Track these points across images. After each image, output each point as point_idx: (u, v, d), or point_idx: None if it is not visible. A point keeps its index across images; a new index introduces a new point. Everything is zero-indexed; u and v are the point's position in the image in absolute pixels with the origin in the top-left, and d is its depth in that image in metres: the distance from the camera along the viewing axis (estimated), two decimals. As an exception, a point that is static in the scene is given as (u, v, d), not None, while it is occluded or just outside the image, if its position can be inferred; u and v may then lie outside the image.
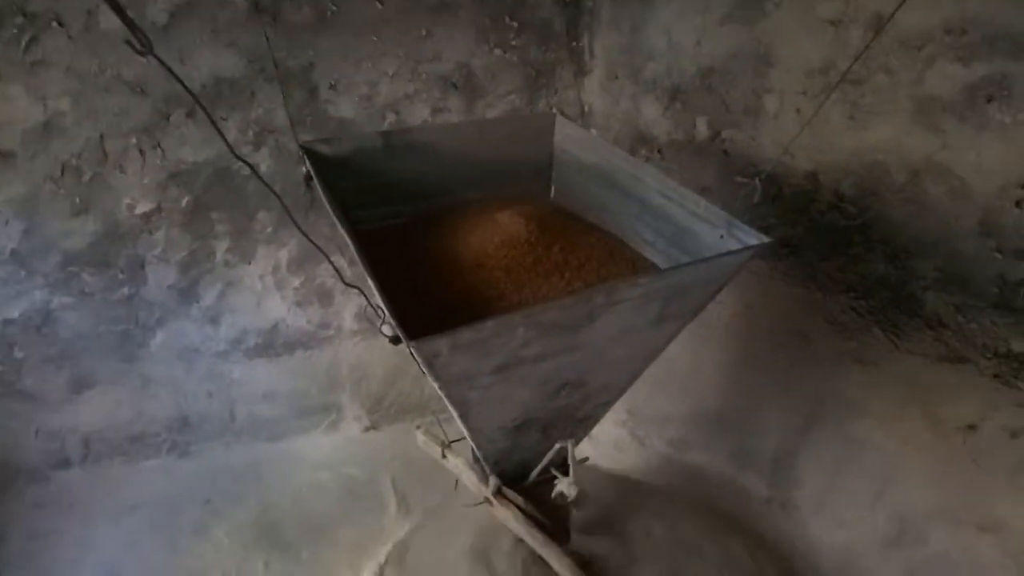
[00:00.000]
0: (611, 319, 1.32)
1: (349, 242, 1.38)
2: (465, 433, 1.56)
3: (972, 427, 1.72)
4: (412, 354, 1.20)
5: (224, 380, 2.67)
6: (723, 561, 1.78)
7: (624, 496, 2.00)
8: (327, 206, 1.55)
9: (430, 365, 1.20)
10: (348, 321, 2.79)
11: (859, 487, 1.90)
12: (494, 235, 1.60)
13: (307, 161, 1.68)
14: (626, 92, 2.60)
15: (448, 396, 1.33)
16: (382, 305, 1.19)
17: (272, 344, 2.71)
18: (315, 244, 1.44)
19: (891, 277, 1.89)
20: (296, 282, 2.67)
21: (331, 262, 1.42)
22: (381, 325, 1.17)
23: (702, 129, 2.34)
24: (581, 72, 2.74)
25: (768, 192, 2.16)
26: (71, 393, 2.50)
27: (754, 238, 1.38)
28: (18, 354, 2.40)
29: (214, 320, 2.61)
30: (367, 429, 2.82)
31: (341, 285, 2.72)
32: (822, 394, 2.05)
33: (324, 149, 1.79)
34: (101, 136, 2.28)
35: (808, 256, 2.11)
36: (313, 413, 2.78)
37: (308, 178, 1.68)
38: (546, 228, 1.66)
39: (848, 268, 2.00)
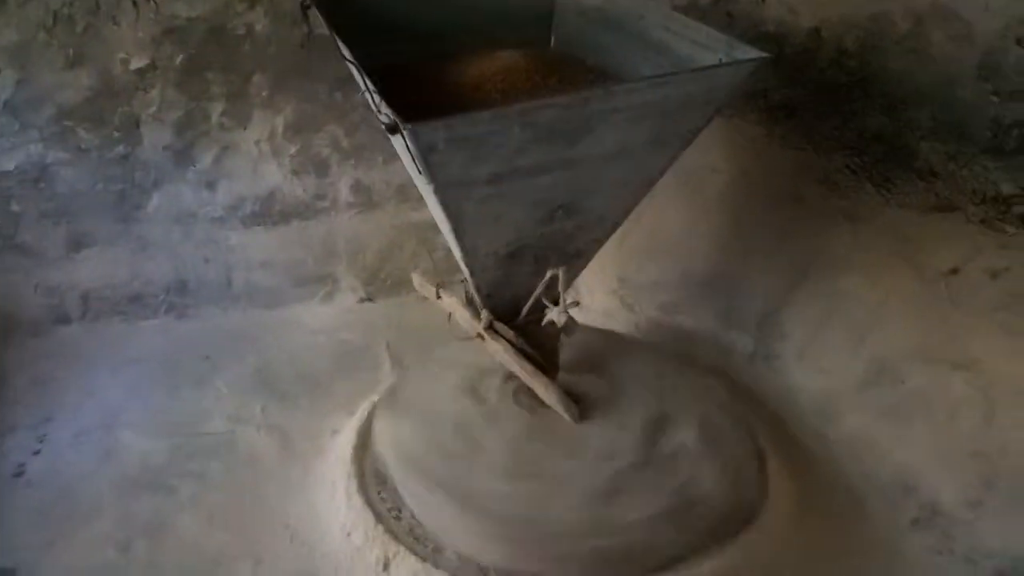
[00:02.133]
0: (607, 132, 1.33)
1: (341, 47, 1.36)
2: (459, 257, 1.59)
3: (955, 271, 1.76)
4: (408, 148, 1.21)
5: (221, 246, 2.69)
6: (706, 399, 1.84)
7: (611, 347, 2.04)
8: (323, 22, 1.52)
9: (426, 161, 1.21)
10: (344, 193, 2.79)
11: (841, 336, 1.95)
12: (493, 64, 1.59)
13: (303, -13, 1.65)
14: (630, -42, 2.54)
15: (444, 204, 1.35)
16: (371, 92, 1.18)
17: (269, 212, 2.72)
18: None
19: (887, 130, 1.90)
20: (292, 149, 2.65)
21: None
22: (377, 113, 1.17)
23: (706, -9, 2.30)
24: (585, -61, 2.67)
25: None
26: (69, 251, 2.52)
27: (753, 56, 1.38)
28: (15, 208, 2.41)
29: (210, 185, 2.61)
30: (362, 300, 2.85)
31: (337, 156, 2.71)
32: (812, 252, 2.08)
33: (320, -19, 1.75)
34: (93, -17, 2.23)
35: (807, 117, 2.12)
36: (309, 283, 2.81)
37: (305, 6, 1.65)
38: (545, 62, 1.67)
39: (846, 125, 2.01)
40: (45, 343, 2.46)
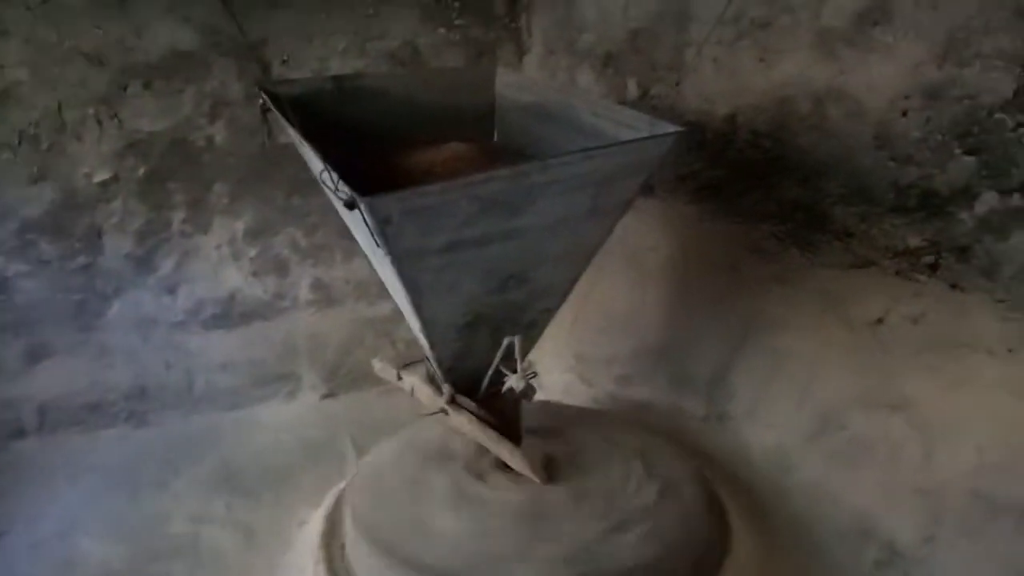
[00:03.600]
0: (548, 203, 1.46)
1: (296, 137, 1.48)
2: (418, 331, 1.67)
3: (880, 321, 1.90)
4: (365, 222, 1.31)
5: (182, 350, 2.72)
6: (664, 464, 1.90)
7: (570, 418, 2.11)
8: (281, 122, 1.66)
9: (383, 233, 1.32)
10: (304, 292, 2.87)
11: (785, 392, 2.05)
12: (441, 154, 1.74)
13: (263, 95, 1.79)
14: (562, 65, 2.80)
15: (401, 275, 1.44)
16: (327, 170, 1.29)
17: (229, 314, 2.77)
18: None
19: (804, 199, 2.08)
20: (252, 252, 2.75)
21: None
22: (334, 192, 1.28)
23: (632, 89, 2.54)
24: (520, 51, 2.93)
25: (693, 140, 2.36)
26: (27, 363, 2.52)
27: (671, 130, 1.55)
28: (-27, 322, 2.43)
29: (171, 290, 2.67)
30: (324, 397, 2.88)
31: (296, 256, 2.82)
32: (750, 316, 2.21)
33: (279, 90, 1.90)
34: (59, 105, 2.36)
35: (731, 194, 2.30)
36: (271, 382, 2.84)
37: (264, 109, 1.79)
38: (490, 153, 1.81)
39: (767, 198, 2.19)
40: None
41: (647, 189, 2.57)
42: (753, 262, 2.25)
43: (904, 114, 1.80)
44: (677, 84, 2.34)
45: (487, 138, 2.17)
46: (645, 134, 1.61)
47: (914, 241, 1.84)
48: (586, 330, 2.64)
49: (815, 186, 2.04)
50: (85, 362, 2.60)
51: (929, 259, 1.83)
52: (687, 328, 2.40)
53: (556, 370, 2.69)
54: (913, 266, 1.85)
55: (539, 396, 2.27)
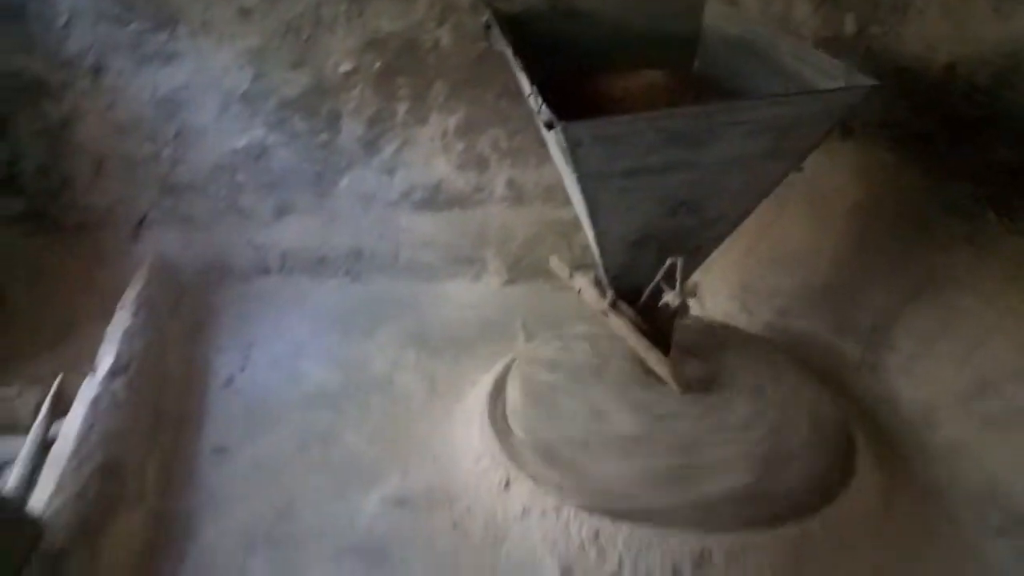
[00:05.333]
0: (729, 142, 1.58)
1: (511, 57, 1.69)
2: (592, 240, 1.88)
3: (1069, 299, 1.84)
4: (559, 143, 1.52)
5: (393, 225, 3.15)
6: (808, 390, 2.01)
7: (725, 338, 2.25)
8: (500, 41, 1.87)
9: (573, 154, 1.52)
10: (500, 188, 3.17)
11: (949, 351, 2.05)
12: (638, 80, 1.88)
13: (489, 11, 2.02)
14: (779, -7, 2.74)
15: (584, 192, 1.65)
16: (534, 94, 1.50)
17: (435, 200, 3.15)
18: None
19: (1014, 161, 1.99)
20: (460, 147, 3.06)
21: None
22: (537, 113, 1.49)
23: (849, 25, 2.46)
24: (740, -27, 2.89)
25: (904, 87, 2.29)
26: (275, 216, 3.07)
27: (867, 82, 1.58)
28: (239, 178, 2.98)
29: (390, 172, 3.07)
30: (506, 283, 3.21)
31: (496, 155, 3.10)
32: (930, 272, 2.19)
33: (500, 6, 2.12)
34: (318, 3, 2.74)
35: (936, 147, 2.23)
36: (462, 263, 3.20)
37: (487, 26, 2.02)
38: (686, 82, 1.92)
39: (973, 156, 2.11)
40: (250, 288, 3.01)
41: (846, 132, 2.53)
42: (944, 219, 2.20)
43: None
44: (897, 25, 2.25)
45: (687, 65, 2.25)
46: (840, 84, 1.65)
47: None
48: (757, 262, 2.72)
49: (1028, 150, 1.95)
50: (318, 222, 3.10)
51: None
52: (859, 273, 2.41)
53: (721, 295, 2.80)
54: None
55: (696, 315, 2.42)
